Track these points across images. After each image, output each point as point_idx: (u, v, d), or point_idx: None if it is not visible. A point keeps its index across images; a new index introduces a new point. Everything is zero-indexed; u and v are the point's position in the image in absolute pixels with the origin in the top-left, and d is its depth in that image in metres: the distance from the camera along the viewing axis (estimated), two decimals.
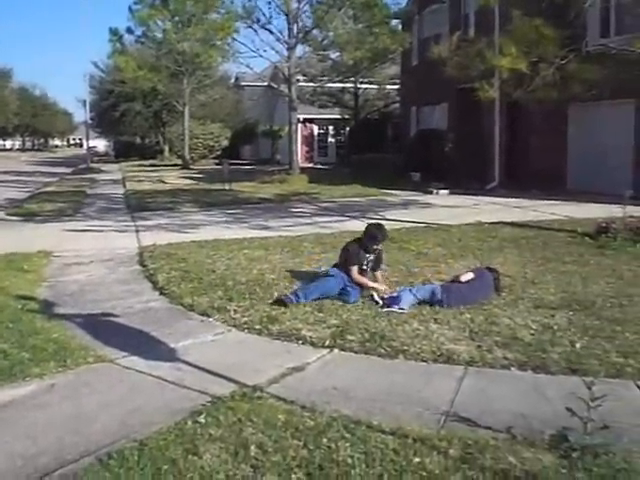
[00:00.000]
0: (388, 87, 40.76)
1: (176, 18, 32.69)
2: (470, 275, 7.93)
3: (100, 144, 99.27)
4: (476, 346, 6.27)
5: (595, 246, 11.38)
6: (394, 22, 31.28)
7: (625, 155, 19.82)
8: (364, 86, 41.88)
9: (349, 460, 4.11)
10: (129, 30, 35.68)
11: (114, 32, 35.32)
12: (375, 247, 8.32)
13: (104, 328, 7.22)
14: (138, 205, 19.99)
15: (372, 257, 8.37)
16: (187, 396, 5.21)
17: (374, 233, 8.27)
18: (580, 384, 4.48)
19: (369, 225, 8.64)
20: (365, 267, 8.34)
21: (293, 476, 3.95)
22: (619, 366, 5.72)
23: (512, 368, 5.78)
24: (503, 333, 6.60)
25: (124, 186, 28.89)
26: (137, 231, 14.56)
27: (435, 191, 22.58)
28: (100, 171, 44.15)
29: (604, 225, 11.98)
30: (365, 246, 8.29)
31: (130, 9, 34.14)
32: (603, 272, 9.46)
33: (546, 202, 18.47)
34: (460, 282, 7.85)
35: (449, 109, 28.06)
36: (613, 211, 12.60)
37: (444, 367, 5.86)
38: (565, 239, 12.23)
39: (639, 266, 9.87)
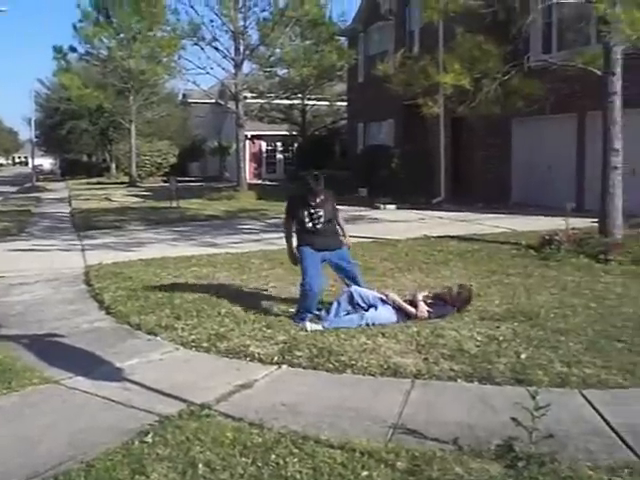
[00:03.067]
0: (337, 104, 41.00)
1: (121, 35, 32.49)
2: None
3: (46, 162, 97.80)
4: (423, 359, 6.33)
5: (539, 258, 11.57)
6: (341, 39, 31.53)
7: (568, 169, 20.21)
8: (312, 102, 42.07)
9: (297, 476, 4.12)
10: (73, 48, 35.39)
11: (58, 50, 35.01)
12: (313, 196, 7.80)
13: (50, 349, 7.14)
14: (84, 224, 19.73)
15: (316, 210, 7.90)
16: (134, 416, 5.17)
17: (307, 181, 7.89)
18: (525, 394, 4.54)
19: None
20: (310, 221, 7.94)
21: None
22: (563, 375, 5.82)
23: (458, 380, 5.85)
24: (449, 345, 6.67)
25: (70, 204, 28.50)
26: (83, 250, 14.38)
27: (382, 206, 22.73)
28: (46, 190, 43.49)
29: (547, 237, 12.18)
30: (304, 197, 7.94)
31: (74, 27, 33.89)
32: (547, 283, 9.63)
33: (491, 215, 18.72)
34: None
35: (395, 125, 28.34)
36: (556, 224, 12.85)
37: (392, 380, 5.90)
38: (509, 252, 12.41)
39: (582, 277, 10.07)
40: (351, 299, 7.77)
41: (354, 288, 7.95)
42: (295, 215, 8.09)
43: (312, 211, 7.94)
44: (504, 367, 6.04)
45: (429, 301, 7.80)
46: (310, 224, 7.96)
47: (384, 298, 7.76)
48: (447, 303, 7.80)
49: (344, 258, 8.35)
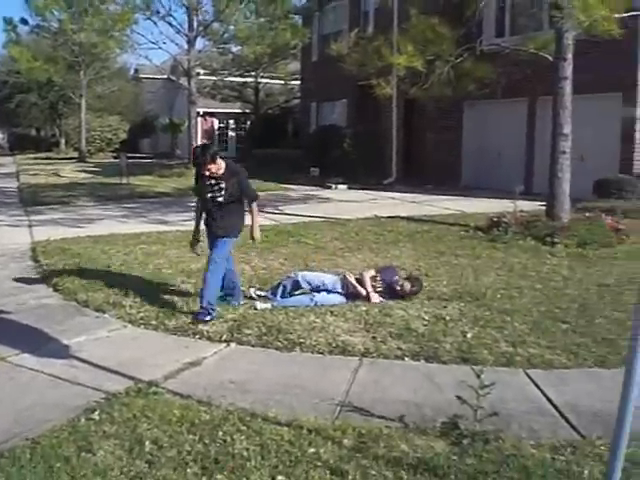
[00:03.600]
0: (291, 83, 40.83)
1: (73, 8, 31.82)
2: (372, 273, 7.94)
3: None
4: (371, 337, 6.38)
5: (487, 240, 11.72)
6: (295, 17, 31.34)
7: (517, 152, 20.47)
8: (265, 81, 41.81)
9: (245, 453, 4.13)
10: (24, 20, 34.58)
11: (8, 22, 34.16)
12: (203, 169, 7.08)
13: None
14: (32, 199, 19.37)
15: (215, 183, 7.17)
16: (81, 393, 5.13)
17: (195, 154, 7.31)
18: (471, 373, 4.61)
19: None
20: (213, 197, 7.22)
21: (189, 470, 3.94)
22: (508, 355, 5.93)
23: (406, 358, 5.92)
24: (397, 324, 6.74)
25: (18, 179, 27.95)
26: (30, 226, 14.15)
27: (334, 186, 22.79)
28: None
29: (496, 220, 12.34)
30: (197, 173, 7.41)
31: None
32: (494, 265, 9.76)
33: (441, 197, 18.90)
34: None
35: (348, 105, 28.36)
36: (505, 206, 13.02)
37: (340, 359, 5.95)
38: (458, 233, 12.55)
39: (528, 259, 10.23)
40: (296, 284, 7.77)
41: (300, 274, 7.90)
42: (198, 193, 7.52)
43: (215, 184, 7.17)
44: (450, 346, 6.13)
45: (378, 280, 7.80)
46: (210, 198, 7.24)
47: (334, 285, 7.75)
48: (397, 296, 7.81)
49: (216, 247, 7.37)
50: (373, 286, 7.71)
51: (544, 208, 12.86)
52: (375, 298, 7.60)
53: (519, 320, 6.95)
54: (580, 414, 4.80)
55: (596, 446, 4.26)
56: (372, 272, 7.92)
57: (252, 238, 7.50)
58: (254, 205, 7.54)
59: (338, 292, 7.70)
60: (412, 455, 4.14)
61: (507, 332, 6.54)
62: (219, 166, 7.08)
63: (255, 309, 7.28)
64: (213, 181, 7.15)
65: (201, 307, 6.96)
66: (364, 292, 7.64)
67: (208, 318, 6.88)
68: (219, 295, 7.31)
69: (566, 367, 5.73)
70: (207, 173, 7.04)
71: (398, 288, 7.74)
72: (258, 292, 7.80)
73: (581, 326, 6.76)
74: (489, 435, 4.32)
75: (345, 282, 7.75)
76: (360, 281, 7.72)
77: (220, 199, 7.19)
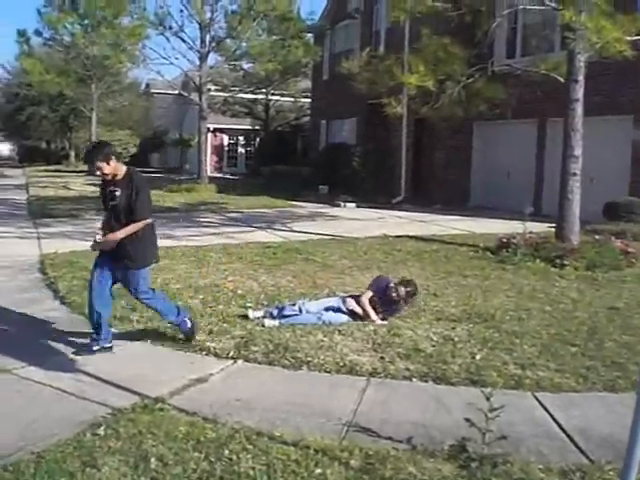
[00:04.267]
0: (301, 100, 41.00)
1: (86, 22, 32.07)
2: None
3: (4, 148, 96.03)
4: (379, 357, 6.34)
5: (496, 261, 11.68)
6: (307, 36, 31.52)
7: (527, 173, 20.46)
8: (276, 98, 42.01)
9: (250, 472, 4.09)
10: (37, 32, 34.84)
11: (21, 34, 34.46)
12: (92, 168, 6.54)
13: (2, 337, 7.01)
14: (41, 211, 19.42)
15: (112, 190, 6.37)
16: (87, 408, 5.10)
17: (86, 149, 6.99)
18: (479, 395, 4.57)
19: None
20: (112, 206, 6.42)
21: None
22: (517, 377, 5.88)
23: (413, 379, 5.87)
24: (405, 345, 6.70)
25: (27, 192, 28.04)
26: (39, 238, 14.16)
27: (342, 204, 22.79)
28: (3, 176, 42.69)
29: (505, 240, 12.31)
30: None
31: (39, 12, 33.38)
32: (503, 286, 9.72)
33: (450, 217, 18.88)
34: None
35: (358, 124, 28.42)
36: (514, 227, 12.98)
37: (347, 378, 5.91)
38: (467, 253, 12.51)
39: (538, 281, 10.18)
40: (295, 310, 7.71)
41: (301, 304, 7.75)
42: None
43: (110, 189, 6.38)
44: (459, 368, 6.08)
45: (375, 299, 7.76)
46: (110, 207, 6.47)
47: (339, 306, 7.73)
48: (396, 303, 7.79)
49: (130, 283, 6.55)
50: (374, 308, 7.67)
51: (553, 230, 12.81)
52: (377, 320, 7.56)
53: (528, 342, 6.90)
54: (589, 438, 4.75)
55: (605, 471, 4.22)
56: (369, 293, 7.81)
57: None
58: (139, 223, 6.43)
59: (343, 312, 7.66)
60: (420, 478, 4.10)
61: (516, 354, 6.49)
62: (114, 169, 6.28)
63: (262, 326, 7.25)
64: (111, 187, 6.33)
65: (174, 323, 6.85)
66: (365, 314, 7.60)
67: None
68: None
69: (575, 391, 5.67)
70: (98, 173, 6.30)
71: (394, 294, 7.69)
72: (254, 313, 7.70)
73: (590, 349, 6.71)
74: (497, 459, 4.27)
75: (346, 305, 7.72)
76: (359, 303, 7.68)
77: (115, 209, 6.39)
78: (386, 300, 7.74)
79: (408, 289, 7.81)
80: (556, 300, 8.92)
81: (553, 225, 12.98)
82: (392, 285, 7.81)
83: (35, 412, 5.04)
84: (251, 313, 7.60)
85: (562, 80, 12.69)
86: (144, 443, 4.45)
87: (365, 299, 7.70)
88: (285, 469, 4.14)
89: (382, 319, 7.60)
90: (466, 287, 9.60)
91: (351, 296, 7.95)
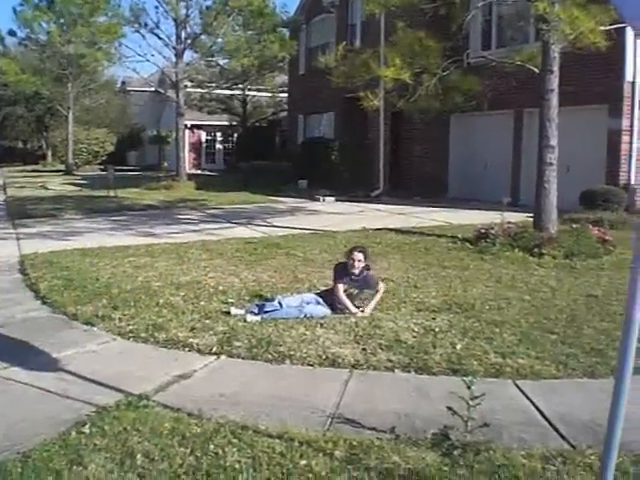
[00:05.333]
0: (278, 95, 40.95)
1: (61, 20, 31.86)
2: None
3: None
4: (361, 349, 6.38)
5: (475, 251, 11.76)
6: (283, 30, 31.48)
7: (504, 163, 20.60)
8: (253, 93, 41.92)
9: (236, 465, 4.12)
10: (12, 32, 34.58)
11: None
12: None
13: None
14: (19, 212, 19.29)
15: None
16: (71, 407, 5.11)
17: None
18: (461, 384, 4.62)
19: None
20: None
21: None
22: (498, 366, 5.94)
23: (396, 370, 5.92)
24: (387, 336, 6.74)
25: (5, 192, 27.85)
26: (18, 239, 14.09)
27: (322, 198, 22.82)
28: None
29: (483, 231, 12.39)
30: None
31: (14, 10, 33.12)
32: (482, 276, 9.80)
33: (428, 209, 18.96)
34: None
35: (335, 118, 28.46)
36: (492, 218, 13.06)
37: (330, 371, 5.95)
38: (446, 245, 12.59)
39: (516, 270, 10.27)
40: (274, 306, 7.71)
41: (280, 298, 7.75)
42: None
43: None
44: (440, 357, 6.14)
45: (352, 289, 7.79)
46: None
47: (319, 300, 7.77)
48: (361, 272, 7.78)
49: None
50: (348, 295, 7.71)
51: (531, 219, 12.91)
52: (357, 311, 7.61)
53: (508, 331, 6.97)
54: (570, 424, 4.81)
55: (586, 456, 4.27)
56: (341, 286, 7.76)
57: None
58: None
59: (323, 305, 7.70)
60: (403, 466, 4.14)
61: (496, 343, 6.56)
62: None
63: (245, 321, 7.27)
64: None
65: None
66: (344, 307, 7.65)
67: None
68: None
69: (555, 377, 5.74)
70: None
71: (354, 264, 7.68)
72: (236, 310, 7.70)
73: (570, 337, 6.79)
74: (480, 446, 4.33)
75: (325, 298, 7.76)
76: (337, 298, 7.71)
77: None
78: (355, 278, 7.75)
79: (357, 251, 7.80)
80: (535, 289, 9.00)
81: (531, 215, 13.07)
82: (346, 262, 7.82)
83: (19, 412, 5.03)
84: (233, 310, 7.62)
85: (537, 71, 12.79)
86: (130, 440, 4.47)
87: (340, 293, 7.71)
88: (270, 461, 4.17)
89: (360, 309, 7.65)
90: (446, 278, 9.67)
91: (326, 291, 7.99)
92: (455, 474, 4.04)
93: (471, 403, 4.37)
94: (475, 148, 22.25)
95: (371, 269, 8.03)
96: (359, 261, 7.72)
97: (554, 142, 12.38)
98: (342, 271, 7.85)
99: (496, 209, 13.10)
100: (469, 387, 4.40)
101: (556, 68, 12.30)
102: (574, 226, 12.69)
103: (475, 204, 18.91)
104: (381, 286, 7.93)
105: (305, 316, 7.40)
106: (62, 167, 45.41)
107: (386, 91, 16.98)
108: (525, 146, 19.72)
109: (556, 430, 4.76)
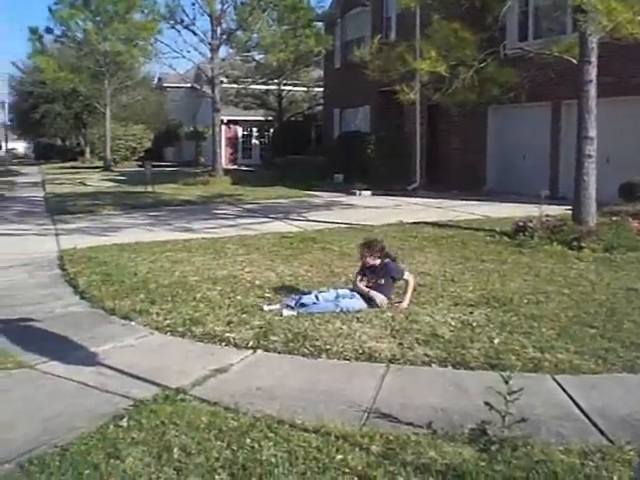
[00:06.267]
0: (314, 89, 40.95)
1: (97, 18, 32.12)
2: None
3: (20, 146, 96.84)
4: (397, 344, 6.36)
5: (513, 245, 11.65)
6: (318, 25, 31.44)
7: (542, 156, 20.37)
8: (288, 88, 41.98)
9: (272, 459, 4.12)
10: (48, 30, 34.92)
11: (34, 31, 34.49)
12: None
13: (23, 333, 7.08)
14: (58, 208, 19.57)
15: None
16: (109, 400, 5.15)
17: None
18: (498, 379, 4.56)
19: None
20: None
21: (217, 477, 3.95)
22: (536, 360, 5.87)
23: (433, 364, 5.89)
24: (424, 330, 6.71)
25: (44, 189, 28.26)
26: (57, 234, 14.28)
27: (358, 192, 22.79)
28: (19, 174, 43.07)
29: (521, 224, 12.26)
30: None
31: (50, 9, 33.45)
32: (520, 270, 9.69)
33: (466, 202, 18.83)
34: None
35: (371, 111, 28.37)
36: (530, 211, 12.93)
37: (366, 365, 5.93)
38: (484, 238, 12.48)
39: (555, 264, 10.15)
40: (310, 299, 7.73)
41: (319, 295, 7.79)
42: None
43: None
44: (478, 352, 6.09)
45: (374, 279, 7.75)
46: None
47: (353, 294, 7.75)
48: (385, 263, 7.78)
49: None
50: (376, 287, 7.67)
51: (570, 212, 12.76)
52: (381, 300, 7.59)
53: (546, 325, 6.90)
54: (609, 419, 4.75)
55: (625, 452, 4.22)
56: (358, 276, 7.82)
57: None
58: None
59: (358, 299, 7.67)
60: (440, 462, 4.11)
61: (534, 337, 6.49)
62: None
63: (281, 316, 7.28)
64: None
65: None
66: (371, 298, 7.62)
67: None
68: None
69: (594, 372, 5.67)
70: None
71: (373, 257, 7.72)
72: (268, 307, 7.69)
73: (609, 331, 6.69)
74: (518, 441, 4.29)
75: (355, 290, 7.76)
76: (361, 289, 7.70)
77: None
78: (374, 270, 7.74)
79: (360, 248, 7.86)
80: (574, 283, 8.89)
81: (570, 207, 12.92)
82: (365, 257, 7.81)
83: (58, 406, 5.10)
84: (266, 307, 7.61)
85: (575, 62, 12.62)
86: (167, 433, 4.50)
87: (357, 283, 7.73)
88: (307, 456, 4.17)
89: (396, 304, 7.63)
90: (483, 272, 9.58)
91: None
92: (492, 470, 4.00)
93: (509, 398, 4.32)
94: (513, 140, 22.03)
95: (393, 258, 7.98)
96: (364, 256, 7.77)
97: (593, 134, 12.22)
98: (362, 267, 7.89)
99: (534, 202, 12.96)
100: (507, 382, 4.35)
101: (594, 59, 12.13)
102: (613, 219, 12.51)
103: (513, 197, 18.73)
104: (408, 275, 7.85)
105: (341, 310, 7.39)
106: (100, 163, 45.91)
107: (422, 84, 16.89)
108: (563, 138, 19.49)
109: (595, 425, 4.69)
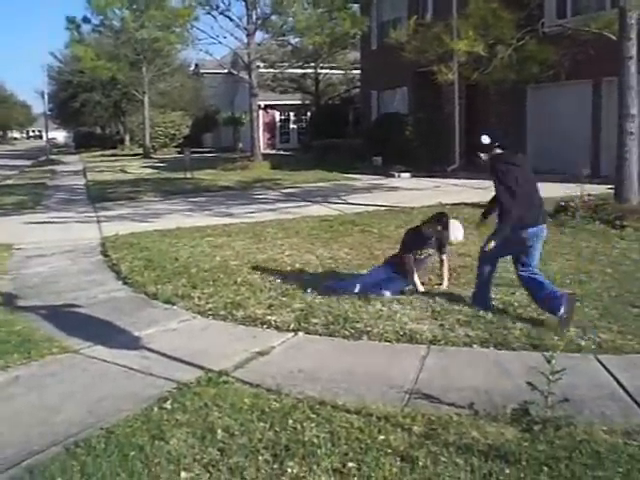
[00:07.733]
0: (350, 72, 40.78)
1: (134, 6, 32.28)
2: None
3: (60, 135, 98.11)
4: (438, 325, 6.36)
5: (554, 225, 11.50)
6: (353, 6, 31.22)
7: (583, 134, 20.07)
8: (325, 71, 41.84)
9: (315, 440, 4.16)
10: (85, 19, 35.16)
11: (71, 20, 34.73)
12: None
13: (68, 319, 7.20)
14: (99, 195, 19.82)
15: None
16: (153, 383, 5.23)
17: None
18: (541, 359, 4.56)
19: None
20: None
21: (260, 458, 3.99)
22: (579, 341, 5.83)
23: (474, 345, 5.88)
24: (464, 312, 6.70)
25: (85, 177, 28.60)
26: (99, 221, 14.46)
27: (397, 174, 22.70)
28: (60, 162, 43.65)
29: (563, 204, 12.14)
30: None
31: None
32: (562, 250, 9.60)
33: None
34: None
35: (409, 92, 28.15)
36: (571, 190, 12.78)
37: (407, 346, 5.94)
38: None
39: (597, 243, 10.04)
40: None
41: (359, 277, 7.84)
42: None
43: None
44: (520, 332, 6.07)
45: (426, 250, 7.74)
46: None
47: (391, 273, 7.72)
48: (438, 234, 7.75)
49: None
50: (418, 259, 7.63)
51: (612, 191, 12.59)
52: (420, 287, 7.54)
53: (589, 305, 6.84)
54: None
55: None
56: (410, 256, 7.66)
57: None
58: None
59: (396, 277, 7.64)
60: (483, 442, 4.12)
61: (577, 317, 6.43)
62: None
63: (321, 299, 7.30)
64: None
65: None
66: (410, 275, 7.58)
67: None
68: None
69: (638, 352, 5.61)
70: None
71: (434, 231, 7.69)
72: (306, 295, 7.67)
73: None
74: (560, 421, 4.27)
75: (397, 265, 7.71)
76: (405, 264, 7.62)
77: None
78: (429, 242, 7.71)
79: (440, 224, 7.79)
80: (617, 262, 8.79)
81: (611, 186, 12.75)
82: (422, 230, 7.75)
83: (103, 389, 5.19)
84: (303, 295, 7.59)
85: (614, 38, 12.42)
86: (210, 415, 4.56)
87: (411, 263, 7.58)
88: (349, 436, 4.20)
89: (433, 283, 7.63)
90: None
91: (395, 256, 7.92)
92: (535, 449, 4.00)
93: (551, 378, 4.30)
94: (552, 119, 21.72)
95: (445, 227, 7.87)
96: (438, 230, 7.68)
97: (634, 111, 12.02)
98: (415, 239, 7.75)
99: (575, 181, 12.78)
100: (549, 362, 4.33)
101: (634, 35, 11.93)
102: None
103: (554, 176, 18.48)
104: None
105: (381, 290, 7.39)
106: (140, 151, 46.28)
107: (460, 64, 16.74)
108: (604, 116, 19.15)
109: (638, 405, 4.66)
